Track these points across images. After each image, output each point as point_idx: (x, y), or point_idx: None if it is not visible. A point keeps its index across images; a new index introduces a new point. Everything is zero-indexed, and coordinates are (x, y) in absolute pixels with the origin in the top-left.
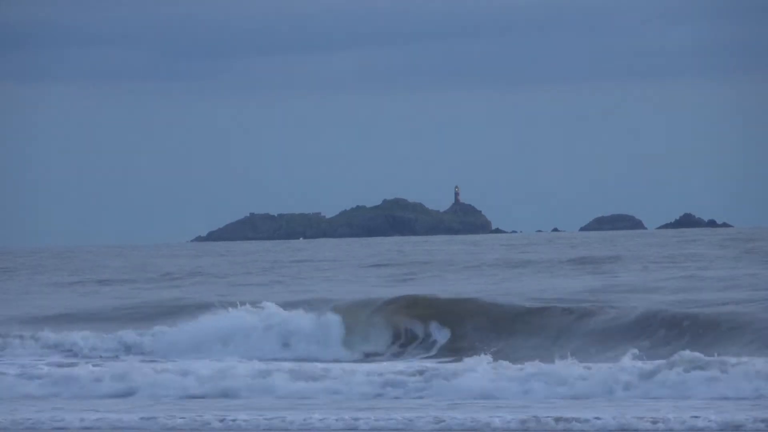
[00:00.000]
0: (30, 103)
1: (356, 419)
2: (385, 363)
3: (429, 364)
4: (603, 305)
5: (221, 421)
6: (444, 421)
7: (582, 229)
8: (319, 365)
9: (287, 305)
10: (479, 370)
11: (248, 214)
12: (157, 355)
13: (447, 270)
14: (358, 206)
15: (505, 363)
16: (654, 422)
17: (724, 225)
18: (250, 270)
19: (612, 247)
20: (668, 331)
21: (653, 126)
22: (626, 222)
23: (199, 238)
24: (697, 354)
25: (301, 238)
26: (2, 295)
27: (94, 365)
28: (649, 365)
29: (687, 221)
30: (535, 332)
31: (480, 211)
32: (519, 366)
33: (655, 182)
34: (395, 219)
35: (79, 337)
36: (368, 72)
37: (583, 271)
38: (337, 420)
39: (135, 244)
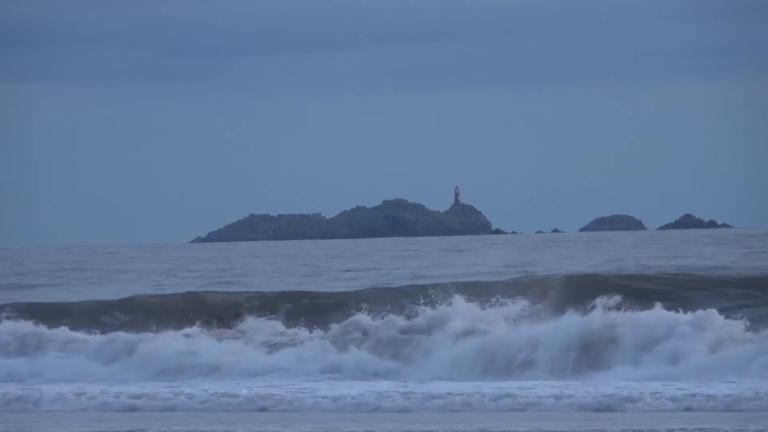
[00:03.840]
0: (29, 103)
1: None
2: None
3: None
4: None
5: None
6: None
7: (582, 229)
8: None
9: None
10: None
11: (248, 215)
12: None
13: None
14: (358, 207)
15: None
16: None
17: (725, 225)
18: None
19: None
20: None
21: (653, 126)
22: (626, 222)
23: (198, 239)
24: None
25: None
26: None
27: None
28: None
29: (687, 222)
30: None
31: (480, 212)
32: None
33: (655, 182)
34: (395, 220)
35: None
36: (368, 72)
37: None
38: None
39: (135, 244)
